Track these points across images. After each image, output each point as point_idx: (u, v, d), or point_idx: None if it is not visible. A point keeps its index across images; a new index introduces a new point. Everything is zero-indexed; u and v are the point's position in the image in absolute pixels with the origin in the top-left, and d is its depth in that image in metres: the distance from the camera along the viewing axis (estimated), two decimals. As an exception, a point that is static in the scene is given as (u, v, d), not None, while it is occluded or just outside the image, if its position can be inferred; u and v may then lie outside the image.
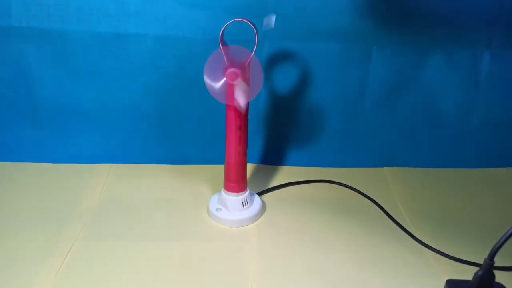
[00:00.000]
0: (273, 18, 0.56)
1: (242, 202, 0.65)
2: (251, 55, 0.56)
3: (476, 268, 0.47)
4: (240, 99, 0.56)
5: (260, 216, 0.67)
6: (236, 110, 0.59)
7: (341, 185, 0.76)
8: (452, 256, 0.60)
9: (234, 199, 0.65)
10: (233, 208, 0.65)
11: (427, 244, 0.62)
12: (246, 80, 0.57)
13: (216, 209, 0.66)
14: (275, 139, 0.82)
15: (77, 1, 0.69)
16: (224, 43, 0.57)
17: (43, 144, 0.78)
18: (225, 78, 0.56)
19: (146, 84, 0.76)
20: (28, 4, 0.69)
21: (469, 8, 0.75)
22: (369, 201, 0.73)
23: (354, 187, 0.75)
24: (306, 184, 0.76)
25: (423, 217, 0.69)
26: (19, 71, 0.73)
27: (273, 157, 0.82)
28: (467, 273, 0.53)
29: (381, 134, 0.82)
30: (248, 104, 0.60)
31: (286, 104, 0.79)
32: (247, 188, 0.67)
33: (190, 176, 0.76)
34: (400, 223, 0.67)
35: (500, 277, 0.47)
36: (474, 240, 0.64)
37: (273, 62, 0.76)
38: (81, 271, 0.54)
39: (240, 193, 0.65)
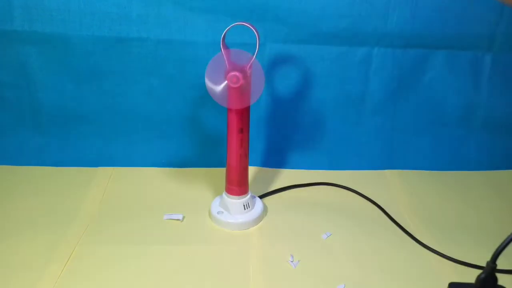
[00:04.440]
0: None
1: (244, 205, 0.65)
2: (253, 59, 0.56)
3: (479, 271, 0.46)
4: None
5: (262, 219, 0.67)
6: (238, 113, 0.59)
7: (343, 188, 0.76)
8: (454, 259, 0.60)
9: (235, 202, 0.65)
10: (234, 211, 0.65)
11: (429, 247, 0.62)
12: (248, 84, 0.57)
13: (218, 212, 0.66)
14: (276, 141, 0.82)
15: (79, 6, 0.69)
16: (225, 47, 0.57)
17: (45, 148, 0.78)
18: (226, 82, 0.56)
19: (148, 87, 0.76)
20: (30, 9, 0.69)
21: (470, 10, 0.75)
22: (371, 203, 0.72)
23: (356, 189, 0.75)
24: (308, 187, 0.76)
25: (425, 220, 0.69)
26: (22, 75, 0.74)
27: (274, 160, 0.82)
28: (470, 276, 0.53)
29: (382, 137, 0.82)
30: (249, 107, 0.60)
31: (287, 107, 0.79)
32: (249, 191, 0.67)
33: (192, 179, 0.76)
34: (402, 226, 0.66)
35: (502, 280, 0.46)
36: (476, 243, 0.63)
37: (274, 65, 0.76)
38: (83, 275, 0.54)
39: (242, 196, 0.65)
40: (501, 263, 0.45)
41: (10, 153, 0.78)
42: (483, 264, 0.45)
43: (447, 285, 0.50)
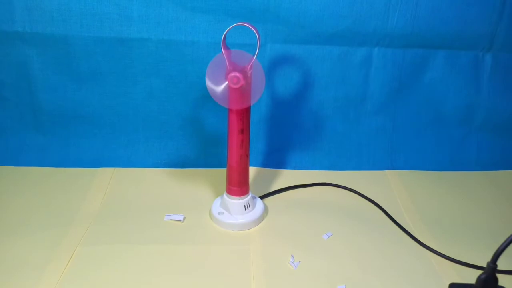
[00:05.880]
0: None
1: (244, 206, 0.65)
2: (253, 59, 0.56)
3: (479, 272, 0.46)
4: None
5: (263, 220, 0.67)
6: (238, 113, 0.60)
7: (343, 188, 0.76)
8: (455, 259, 0.60)
9: (236, 203, 0.65)
10: (235, 211, 0.65)
11: (429, 247, 0.62)
12: (248, 84, 0.57)
13: (219, 213, 0.66)
14: (277, 142, 0.82)
15: (80, 6, 0.70)
16: (226, 47, 0.57)
17: (46, 148, 0.78)
18: (227, 82, 0.56)
19: (149, 88, 0.76)
20: (31, 9, 0.69)
21: (471, 10, 0.75)
22: (371, 204, 0.72)
23: (357, 190, 0.75)
24: (309, 188, 0.76)
25: (426, 220, 0.69)
26: (22, 76, 0.74)
27: (275, 160, 0.82)
28: (470, 277, 0.53)
29: (383, 137, 0.82)
30: (250, 107, 0.60)
31: (287, 107, 0.80)
32: (249, 192, 0.67)
33: (192, 180, 0.76)
34: (403, 226, 0.67)
35: (503, 280, 0.47)
36: (477, 243, 0.63)
37: (275, 65, 0.76)
38: (84, 274, 0.54)
39: (242, 196, 0.65)
40: (501, 264, 0.45)
41: (11, 154, 0.78)
42: (484, 264, 0.46)
43: (447, 285, 0.50)
